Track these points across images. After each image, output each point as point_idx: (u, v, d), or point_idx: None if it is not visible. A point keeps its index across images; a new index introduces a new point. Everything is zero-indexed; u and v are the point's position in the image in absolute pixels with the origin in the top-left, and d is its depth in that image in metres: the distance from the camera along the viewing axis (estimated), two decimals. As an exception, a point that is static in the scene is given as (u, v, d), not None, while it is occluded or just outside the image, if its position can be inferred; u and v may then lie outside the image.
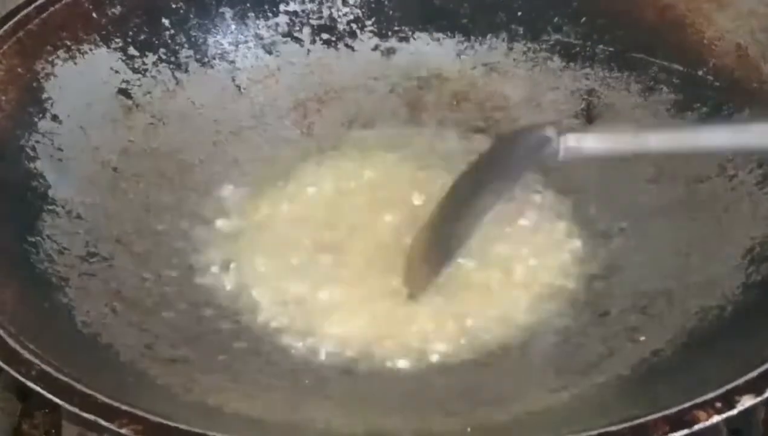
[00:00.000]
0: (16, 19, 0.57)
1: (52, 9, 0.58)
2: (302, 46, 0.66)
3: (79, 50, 0.58)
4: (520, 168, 0.52)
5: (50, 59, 0.57)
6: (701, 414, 0.37)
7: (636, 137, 0.49)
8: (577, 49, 0.63)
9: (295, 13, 0.66)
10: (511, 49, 0.65)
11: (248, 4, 0.65)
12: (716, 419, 0.37)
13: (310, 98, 0.65)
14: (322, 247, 0.56)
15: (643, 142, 0.49)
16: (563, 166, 0.52)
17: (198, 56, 0.63)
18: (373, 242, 0.56)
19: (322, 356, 0.50)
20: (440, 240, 0.54)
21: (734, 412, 0.37)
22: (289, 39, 0.66)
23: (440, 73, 0.66)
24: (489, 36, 0.65)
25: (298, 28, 0.66)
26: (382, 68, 0.66)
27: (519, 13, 0.64)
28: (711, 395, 0.38)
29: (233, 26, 0.65)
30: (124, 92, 0.60)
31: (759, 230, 0.51)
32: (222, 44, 0.64)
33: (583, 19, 0.63)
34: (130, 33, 0.61)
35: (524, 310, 0.53)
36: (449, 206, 0.54)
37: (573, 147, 0.49)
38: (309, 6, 0.66)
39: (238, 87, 0.64)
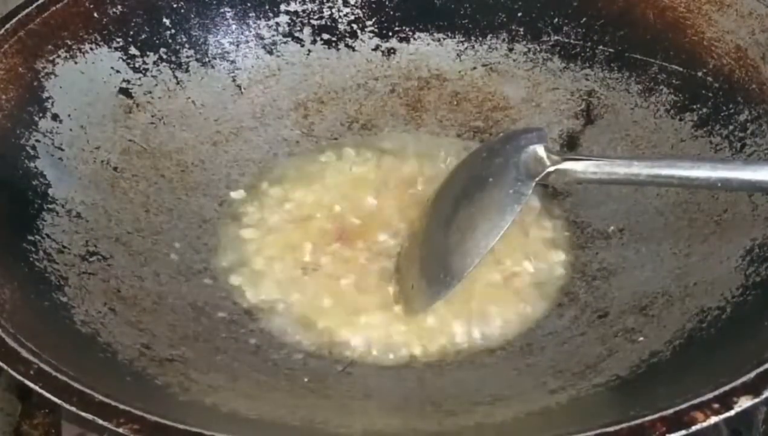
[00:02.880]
0: (17, 18, 0.57)
1: (53, 8, 0.58)
2: (303, 46, 0.66)
3: (79, 49, 0.58)
4: (520, 194, 0.50)
5: (51, 58, 0.57)
6: (699, 415, 0.37)
7: (629, 167, 0.48)
8: (577, 49, 0.63)
9: (295, 13, 0.66)
10: (511, 49, 0.65)
11: (249, 4, 0.65)
12: (714, 420, 0.37)
13: (311, 98, 0.65)
14: (322, 247, 0.56)
15: (635, 172, 0.48)
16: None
17: (198, 56, 0.63)
18: (374, 242, 0.56)
19: (321, 356, 0.50)
20: (440, 259, 0.52)
21: (732, 413, 0.37)
22: (289, 39, 0.66)
23: (440, 73, 0.66)
24: (489, 36, 0.65)
25: (298, 28, 0.66)
26: (382, 68, 0.66)
27: (519, 14, 0.64)
28: (709, 396, 0.38)
29: (234, 26, 0.65)
30: (125, 92, 0.60)
31: (758, 230, 0.51)
32: (223, 44, 0.64)
33: (583, 19, 0.63)
34: (131, 32, 0.61)
35: (523, 311, 0.53)
36: (444, 223, 0.53)
37: (563, 171, 0.49)
38: (310, 6, 0.66)
39: (239, 87, 0.64)
